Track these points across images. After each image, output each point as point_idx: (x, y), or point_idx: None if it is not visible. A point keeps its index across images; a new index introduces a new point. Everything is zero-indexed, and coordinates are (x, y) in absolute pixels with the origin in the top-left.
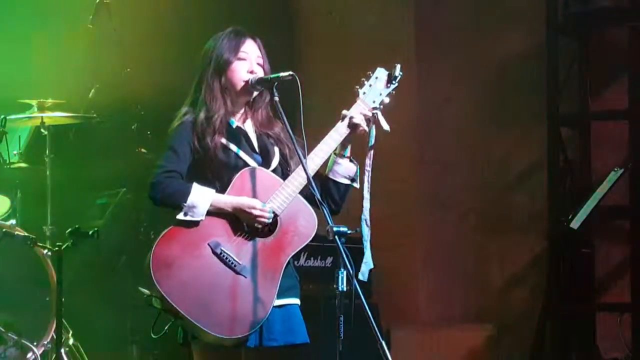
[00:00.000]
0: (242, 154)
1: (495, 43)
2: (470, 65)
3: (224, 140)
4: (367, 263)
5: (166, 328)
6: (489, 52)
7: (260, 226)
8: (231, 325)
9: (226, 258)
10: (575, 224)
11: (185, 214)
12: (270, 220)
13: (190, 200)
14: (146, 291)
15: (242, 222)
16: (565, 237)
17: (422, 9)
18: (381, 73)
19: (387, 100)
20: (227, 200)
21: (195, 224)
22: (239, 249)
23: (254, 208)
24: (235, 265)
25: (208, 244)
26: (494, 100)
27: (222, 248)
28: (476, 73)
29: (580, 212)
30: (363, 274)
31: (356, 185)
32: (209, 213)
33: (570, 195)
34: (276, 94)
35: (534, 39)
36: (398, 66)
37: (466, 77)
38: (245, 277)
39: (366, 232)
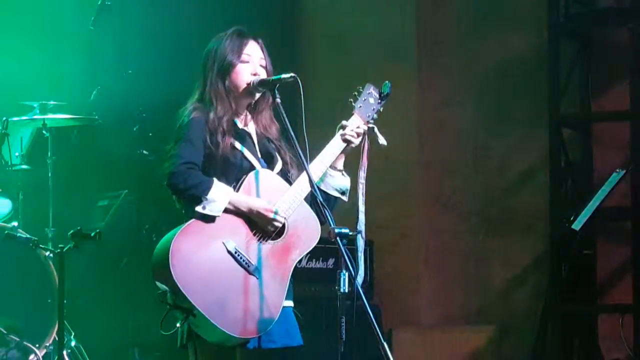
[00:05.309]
0: (248, 155)
1: (497, 44)
2: (471, 66)
3: (232, 141)
4: (361, 275)
5: (178, 325)
6: (490, 52)
7: (272, 229)
8: (244, 325)
9: (240, 257)
10: (577, 225)
11: (204, 208)
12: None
13: (211, 194)
14: (163, 286)
15: (254, 224)
16: (566, 238)
17: (422, 9)
18: (371, 89)
19: (376, 116)
20: (245, 200)
21: (211, 219)
22: (251, 250)
23: (270, 211)
24: (248, 266)
25: (222, 242)
26: (495, 101)
27: (236, 247)
28: (477, 74)
29: (582, 213)
30: (358, 285)
31: (345, 198)
32: (225, 211)
33: (571, 196)
34: (277, 95)
35: (535, 40)
36: (388, 83)
37: (467, 77)
38: (257, 278)
39: (361, 244)
